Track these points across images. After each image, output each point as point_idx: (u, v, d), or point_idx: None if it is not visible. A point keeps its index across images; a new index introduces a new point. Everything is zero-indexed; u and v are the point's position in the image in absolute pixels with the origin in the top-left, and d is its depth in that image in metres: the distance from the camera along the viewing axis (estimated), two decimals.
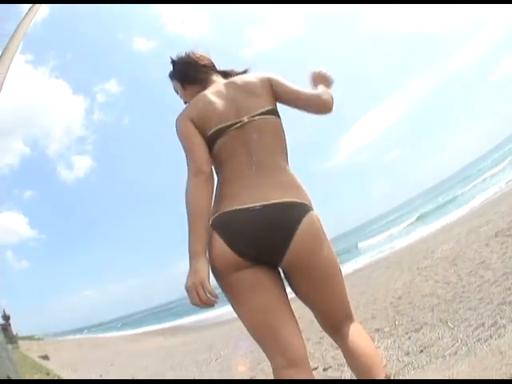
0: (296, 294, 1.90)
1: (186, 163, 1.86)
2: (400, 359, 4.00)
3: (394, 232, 36.45)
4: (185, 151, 1.89)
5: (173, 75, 2.25)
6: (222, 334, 12.80)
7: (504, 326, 3.49)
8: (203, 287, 1.62)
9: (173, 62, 2.21)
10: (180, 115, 1.97)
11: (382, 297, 7.20)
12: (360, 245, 39.73)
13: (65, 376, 8.44)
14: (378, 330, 5.22)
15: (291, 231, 1.71)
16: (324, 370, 4.46)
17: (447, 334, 4.04)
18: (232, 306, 1.81)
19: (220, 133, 1.86)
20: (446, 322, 4.35)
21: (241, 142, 1.86)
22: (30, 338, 49.73)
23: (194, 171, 1.81)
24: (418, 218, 36.66)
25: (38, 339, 46.71)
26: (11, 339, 24.93)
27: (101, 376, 9.80)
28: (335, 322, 1.90)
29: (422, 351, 3.98)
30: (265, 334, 1.72)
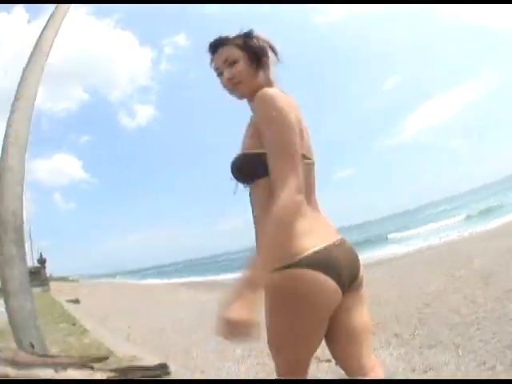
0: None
1: (276, 155, 1.54)
2: (407, 375, 4.03)
3: (440, 226, 36.07)
4: (282, 148, 1.54)
5: (248, 47, 1.77)
6: None
7: (498, 374, 3.52)
8: (258, 327, 1.37)
9: (254, 36, 1.80)
10: (280, 99, 1.60)
11: (411, 298, 7.25)
12: (406, 233, 39.30)
13: (92, 327, 8.22)
14: (397, 335, 5.31)
15: (359, 262, 1.73)
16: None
17: (454, 361, 4.07)
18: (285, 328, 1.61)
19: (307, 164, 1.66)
20: (458, 347, 4.39)
21: (311, 181, 1.74)
22: (65, 279, 51.64)
23: (297, 187, 1.48)
24: (467, 218, 36.23)
25: (73, 281, 48.35)
26: (43, 282, 25.61)
27: (129, 327, 9.65)
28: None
29: (426, 372, 4.01)
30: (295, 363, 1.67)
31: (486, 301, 5.59)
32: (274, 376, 4.52)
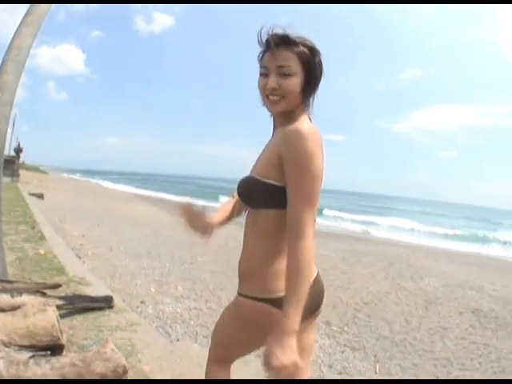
0: None
1: (302, 205, 1.48)
2: (322, 368, 4.16)
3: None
4: (309, 199, 1.50)
5: (311, 65, 1.61)
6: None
7: None
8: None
9: (320, 54, 1.63)
10: (317, 141, 1.52)
11: (355, 290, 7.33)
12: (342, 214, 36.76)
13: (48, 234, 8.24)
14: (328, 323, 5.43)
15: (324, 293, 1.79)
16: None
17: (369, 374, 4.15)
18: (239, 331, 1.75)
19: None
20: (376, 363, 4.44)
21: None
22: (36, 168, 50.95)
23: (313, 237, 1.48)
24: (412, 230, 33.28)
25: (44, 172, 47.73)
26: (14, 173, 25.48)
27: (83, 236, 9.76)
28: None
29: (341, 373, 4.10)
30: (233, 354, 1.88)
31: (419, 326, 5.70)
32: (206, 319, 4.81)
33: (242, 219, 1.84)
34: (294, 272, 1.41)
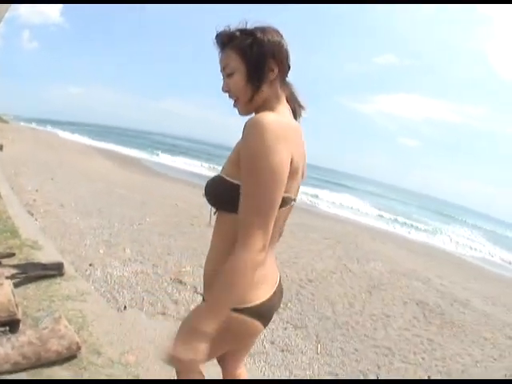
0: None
1: (250, 210, 1.30)
2: (264, 343, 4.19)
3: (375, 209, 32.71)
4: (259, 204, 1.29)
5: (247, 57, 1.45)
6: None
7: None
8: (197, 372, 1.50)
9: (260, 37, 1.45)
10: (276, 133, 1.28)
11: (301, 266, 7.26)
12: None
13: (4, 191, 7.94)
14: None
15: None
16: None
17: (310, 355, 4.19)
18: None
19: (284, 203, 1.41)
20: (318, 343, 4.50)
21: (282, 223, 1.56)
22: None
23: (262, 248, 1.29)
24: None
25: (5, 121, 45.81)
26: None
27: (36, 191, 9.53)
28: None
29: (283, 351, 4.15)
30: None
31: (362, 310, 5.72)
32: (152, 285, 4.67)
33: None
34: (223, 282, 1.28)
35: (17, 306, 2.99)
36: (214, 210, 1.50)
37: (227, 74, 1.46)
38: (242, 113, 1.51)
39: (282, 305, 5.01)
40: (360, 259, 8.82)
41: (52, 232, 6.49)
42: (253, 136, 1.28)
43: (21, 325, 2.99)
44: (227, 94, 1.51)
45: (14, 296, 2.99)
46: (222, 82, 1.51)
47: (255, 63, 1.43)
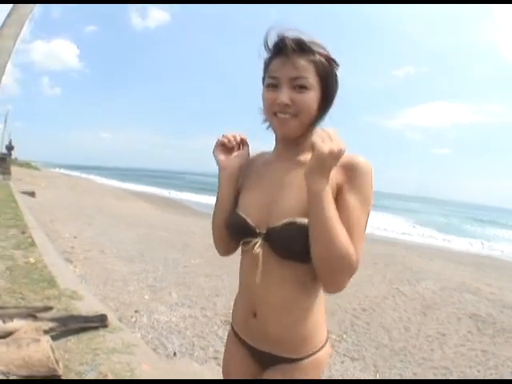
0: None
1: (361, 237, 1.32)
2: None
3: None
4: (364, 230, 1.34)
5: (330, 78, 1.38)
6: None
7: None
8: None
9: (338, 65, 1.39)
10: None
11: (352, 295, 7.19)
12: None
13: (39, 240, 8.00)
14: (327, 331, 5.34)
15: None
16: None
17: None
18: None
19: None
20: (377, 372, 4.47)
21: None
22: (28, 164, 50.77)
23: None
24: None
25: (36, 168, 47.51)
26: (5, 170, 25.37)
27: (75, 238, 9.62)
28: None
29: None
30: None
31: (418, 333, 5.68)
32: (202, 329, 4.85)
33: None
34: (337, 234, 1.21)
35: (57, 361, 2.89)
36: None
37: (299, 86, 1.31)
38: (291, 133, 1.38)
39: (337, 337, 5.23)
40: (411, 280, 8.77)
41: (93, 279, 6.51)
42: (370, 178, 1.31)
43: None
44: (268, 107, 1.38)
45: (53, 352, 2.90)
46: (273, 93, 1.35)
47: (332, 89, 1.38)
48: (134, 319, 5.07)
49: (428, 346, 5.29)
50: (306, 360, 1.43)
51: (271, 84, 1.35)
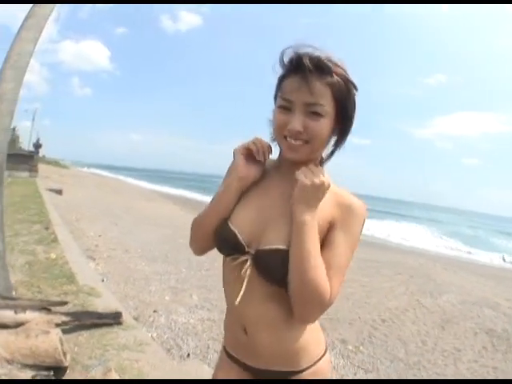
0: None
1: (342, 273, 1.37)
2: None
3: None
4: (348, 262, 1.38)
5: (346, 105, 1.32)
6: None
7: None
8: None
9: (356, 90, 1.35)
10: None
11: (373, 306, 7.17)
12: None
13: (62, 237, 8.17)
14: (344, 341, 5.37)
15: None
16: None
17: None
18: None
19: None
20: None
21: None
22: (57, 162, 51.63)
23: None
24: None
25: (64, 166, 48.36)
26: (33, 168, 25.93)
27: (99, 236, 9.79)
28: None
29: None
30: None
31: (434, 347, 5.64)
32: (218, 332, 4.90)
33: None
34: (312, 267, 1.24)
35: (65, 353, 2.93)
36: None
37: (313, 114, 1.26)
38: (301, 159, 1.33)
39: (353, 348, 5.20)
40: (433, 293, 8.69)
41: (115, 277, 6.60)
42: (361, 220, 1.36)
43: (68, 371, 2.95)
44: (278, 129, 1.33)
45: (62, 344, 2.94)
46: (284, 116, 1.30)
47: (348, 116, 1.33)
48: (151, 319, 5.10)
49: (442, 361, 5.25)
50: (306, 371, 1.42)
51: (284, 106, 1.29)
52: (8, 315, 3.32)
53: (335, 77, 1.25)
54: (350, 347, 5.17)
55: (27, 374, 2.59)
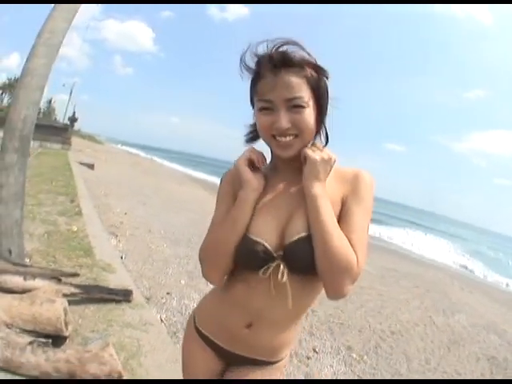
0: None
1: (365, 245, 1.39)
2: None
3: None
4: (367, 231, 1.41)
5: (320, 88, 1.36)
6: None
7: None
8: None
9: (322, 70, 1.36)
10: None
11: (385, 316, 7.10)
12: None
13: (87, 211, 8.40)
14: (350, 348, 5.30)
15: None
16: None
17: None
18: None
19: None
20: None
21: None
22: (92, 137, 52.26)
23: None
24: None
25: (99, 142, 48.94)
26: (65, 140, 26.39)
27: (125, 214, 9.94)
28: None
29: None
30: None
31: (436, 368, 5.55)
32: None
33: None
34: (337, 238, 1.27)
35: (66, 324, 3.01)
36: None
37: (294, 106, 1.30)
38: (295, 153, 1.37)
39: (357, 356, 5.14)
40: (446, 311, 8.57)
41: (134, 256, 6.67)
42: (371, 188, 1.41)
43: (68, 341, 3.02)
44: (266, 132, 1.37)
45: (66, 314, 3.02)
46: (268, 118, 1.33)
47: (325, 102, 1.38)
48: (163, 300, 5.15)
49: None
50: (281, 362, 1.56)
51: (265, 108, 1.33)
52: (16, 281, 3.43)
53: (306, 67, 1.30)
54: (354, 355, 5.12)
55: (25, 340, 2.66)
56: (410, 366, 5.34)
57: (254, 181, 1.41)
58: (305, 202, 1.34)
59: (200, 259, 1.48)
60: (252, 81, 1.38)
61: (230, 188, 1.51)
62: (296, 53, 1.29)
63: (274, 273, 1.32)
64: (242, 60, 1.35)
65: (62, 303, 3.05)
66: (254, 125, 1.46)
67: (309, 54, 1.31)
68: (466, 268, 23.46)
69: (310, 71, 1.31)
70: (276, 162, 1.49)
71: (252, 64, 1.35)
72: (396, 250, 19.71)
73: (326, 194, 1.31)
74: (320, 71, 1.33)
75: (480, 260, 29.68)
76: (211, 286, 4.78)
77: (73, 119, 32.36)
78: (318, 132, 1.41)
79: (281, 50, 1.29)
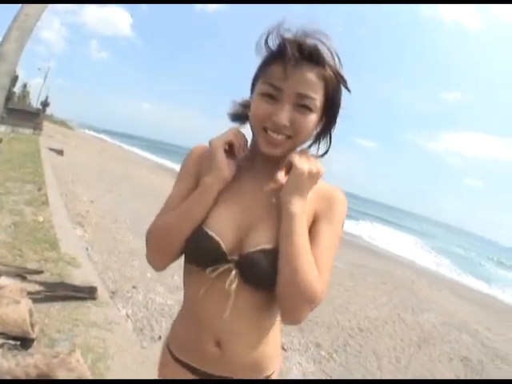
0: None
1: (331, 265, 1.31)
2: None
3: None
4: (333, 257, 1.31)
5: (334, 97, 1.23)
6: None
7: None
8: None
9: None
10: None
11: (353, 313, 7.10)
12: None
13: (53, 199, 8.28)
14: (318, 345, 5.29)
15: None
16: None
17: None
18: None
19: None
20: None
21: None
22: (64, 123, 51.74)
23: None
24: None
25: (70, 127, 48.41)
26: (37, 125, 26.02)
27: (92, 202, 9.80)
28: None
29: None
30: None
31: (407, 367, 5.52)
32: None
33: None
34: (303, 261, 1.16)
35: (32, 325, 2.96)
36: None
37: (302, 105, 1.16)
38: (280, 154, 1.23)
39: (326, 354, 5.12)
40: (415, 309, 8.64)
41: (100, 247, 6.58)
42: (344, 212, 1.32)
43: (35, 342, 2.96)
44: (258, 120, 1.20)
45: (31, 315, 2.98)
46: (268, 106, 1.17)
47: (334, 113, 1.25)
48: (129, 294, 5.08)
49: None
50: (269, 379, 1.38)
51: (269, 94, 1.16)
52: None
53: (328, 69, 1.17)
54: (323, 353, 5.13)
55: None
56: (380, 364, 5.36)
57: (225, 170, 1.24)
58: (276, 212, 1.22)
59: (146, 240, 1.30)
60: (266, 60, 1.21)
61: (196, 167, 1.34)
62: (326, 52, 1.16)
63: (222, 278, 1.18)
64: (270, 34, 1.18)
65: (26, 304, 3.00)
66: (246, 105, 1.32)
67: (338, 59, 1.19)
68: (435, 264, 23.87)
69: (331, 76, 1.18)
70: (255, 154, 1.31)
71: (274, 42, 1.18)
72: (365, 246, 19.78)
73: (304, 213, 1.19)
74: (341, 80, 1.21)
75: (449, 258, 29.92)
76: (176, 280, 4.73)
77: (45, 104, 31.89)
78: (315, 142, 1.31)
79: (312, 41, 1.15)
